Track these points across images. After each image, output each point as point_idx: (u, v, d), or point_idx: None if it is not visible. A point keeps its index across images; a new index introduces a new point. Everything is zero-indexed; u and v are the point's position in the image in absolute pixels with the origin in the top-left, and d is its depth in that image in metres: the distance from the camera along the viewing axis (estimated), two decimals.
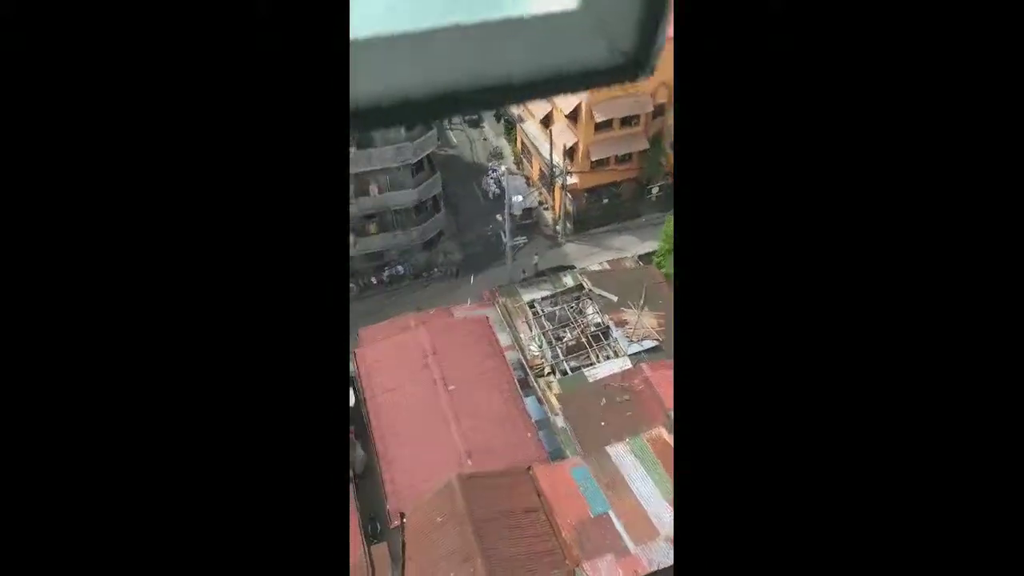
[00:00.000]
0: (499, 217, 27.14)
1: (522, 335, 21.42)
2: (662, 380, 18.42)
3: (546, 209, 31.12)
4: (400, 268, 28.10)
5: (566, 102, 27.73)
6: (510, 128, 35.23)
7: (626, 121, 28.15)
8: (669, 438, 16.86)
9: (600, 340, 21.00)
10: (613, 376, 19.31)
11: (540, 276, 25.02)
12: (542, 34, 0.92)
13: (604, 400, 18.58)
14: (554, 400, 19.20)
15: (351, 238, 26.68)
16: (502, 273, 26.61)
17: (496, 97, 0.96)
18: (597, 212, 29.92)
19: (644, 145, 28.63)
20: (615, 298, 21.92)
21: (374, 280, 27.83)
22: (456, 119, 37.37)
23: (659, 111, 28.38)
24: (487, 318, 21.80)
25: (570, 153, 28.55)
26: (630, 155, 29.24)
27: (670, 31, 0.96)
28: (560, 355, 20.61)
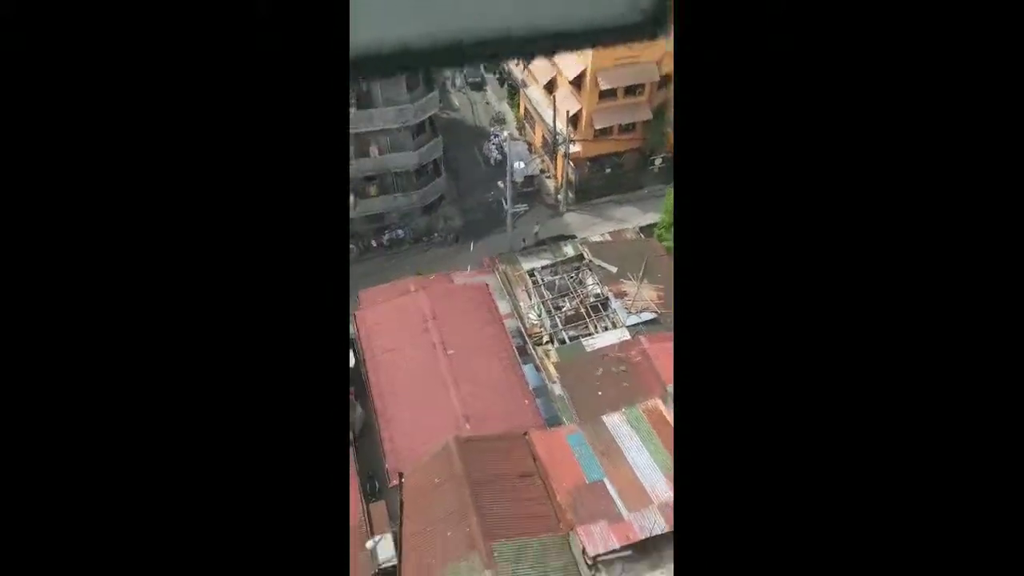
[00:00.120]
0: (500, 184, 26.96)
1: (521, 303, 21.50)
2: (660, 352, 18.57)
3: (548, 177, 30.90)
4: (400, 232, 28.02)
5: (570, 68, 27.29)
6: (513, 92, 34.72)
7: (631, 90, 27.75)
8: (665, 410, 17.09)
9: (599, 311, 21.09)
10: (611, 347, 19.46)
11: (540, 245, 25.00)
12: None
13: (601, 370, 18.76)
14: (552, 368, 19.39)
15: (351, 199, 26.53)
16: (502, 240, 26.56)
17: (499, 48, 0.93)
18: (599, 182, 29.72)
19: (648, 115, 28.29)
20: (615, 269, 21.95)
21: (374, 243, 27.78)
22: (459, 82, 36.81)
23: (664, 81, 27.94)
24: (487, 285, 21.86)
25: (573, 120, 28.20)
26: (634, 125, 28.91)
27: None
28: (559, 324, 20.73)
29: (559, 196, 29.76)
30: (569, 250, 23.52)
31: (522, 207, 27.68)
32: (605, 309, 21.13)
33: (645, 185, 29.86)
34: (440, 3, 0.91)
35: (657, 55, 26.83)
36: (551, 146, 29.12)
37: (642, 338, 19.50)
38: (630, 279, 21.62)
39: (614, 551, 14.41)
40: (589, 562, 14.35)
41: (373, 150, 26.56)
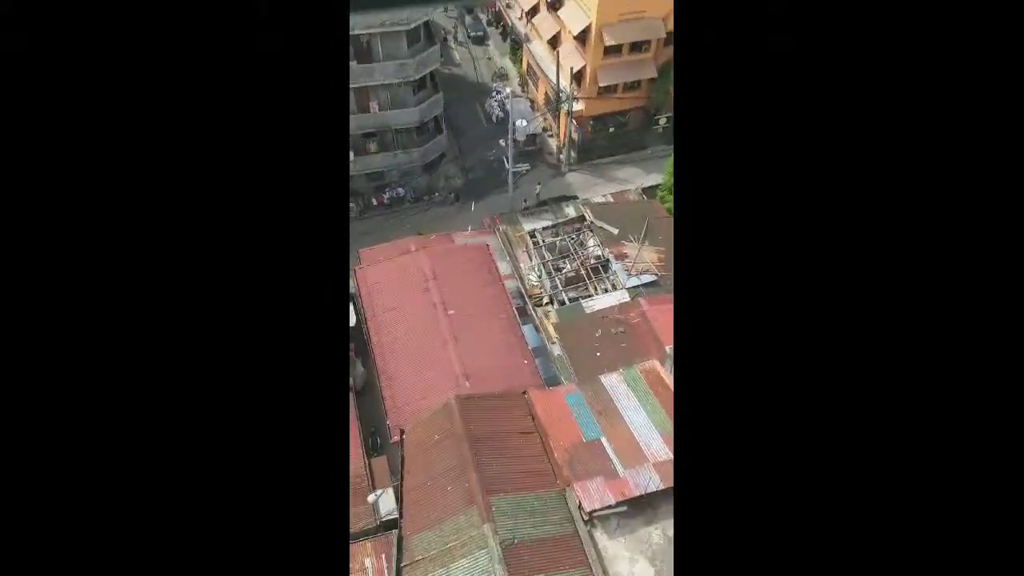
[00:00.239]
0: (502, 142, 26.63)
1: (522, 264, 21.53)
2: (658, 315, 18.72)
3: (550, 136, 30.50)
4: (400, 190, 27.80)
5: (575, 23, 26.62)
6: (516, 48, 33.94)
7: (636, 47, 27.16)
8: (662, 370, 17.34)
9: (599, 272, 21.15)
10: (610, 308, 19.60)
11: (542, 205, 24.86)
12: None
13: (600, 331, 18.94)
14: (551, 329, 19.55)
15: (350, 156, 26.20)
16: (503, 200, 26.40)
17: None
18: (602, 141, 29.37)
19: (653, 73, 27.76)
20: (616, 231, 21.92)
21: (374, 201, 27.59)
22: (460, 35, 35.90)
23: (670, 38, 27.31)
24: (487, 246, 21.83)
25: (577, 77, 27.68)
26: (639, 83, 28.41)
27: None
28: (559, 286, 20.82)
29: (561, 155, 29.44)
30: (571, 211, 23.42)
31: (524, 166, 27.41)
32: (605, 271, 21.19)
33: (648, 145, 29.53)
34: None
35: (663, 11, 26.17)
36: (554, 103, 28.65)
37: (641, 300, 19.63)
38: (631, 241, 21.62)
39: (609, 507, 14.84)
40: (585, 517, 14.79)
41: (373, 105, 26.10)
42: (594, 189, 27.09)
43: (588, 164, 29.15)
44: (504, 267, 21.32)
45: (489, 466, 15.40)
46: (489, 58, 35.11)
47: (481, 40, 35.88)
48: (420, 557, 14.41)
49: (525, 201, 26.48)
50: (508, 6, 34.64)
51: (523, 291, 20.78)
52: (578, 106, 27.92)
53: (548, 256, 21.78)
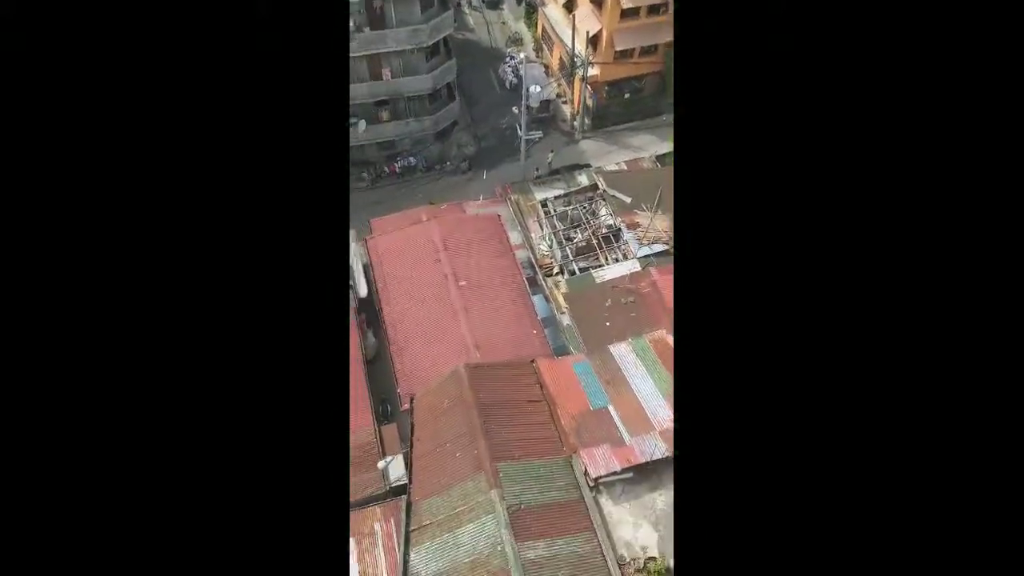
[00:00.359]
0: (515, 109, 26.27)
1: (533, 234, 21.44)
2: (669, 284, 18.60)
3: (564, 102, 30.01)
4: (412, 159, 27.69)
5: None
6: (531, 12, 33.21)
7: (654, 9, 26.40)
8: (671, 340, 17.30)
9: (611, 242, 21.00)
10: (621, 278, 19.51)
11: (554, 174, 24.62)
12: None
13: (610, 301, 18.90)
14: (561, 299, 19.56)
15: (363, 124, 26.09)
16: (515, 169, 26.18)
17: None
18: (617, 108, 28.84)
19: (671, 37, 27.02)
20: (629, 200, 21.67)
21: (386, 169, 27.54)
22: (475, 0, 35.21)
23: None
24: (499, 216, 21.75)
25: (593, 41, 27.06)
26: (656, 47, 27.70)
27: None
28: (570, 256, 20.73)
29: (575, 122, 29.00)
30: (583, 179, 23.17)
31: (537, 134, 27.07)
32: (617, 240, 21.03)
33: (664, 112, 28.94)
34: None
35: None
36: (569, 69, 28.10)
37: (652, 270, 19.50)
38: (644, 210, 21.38)
39: (615, 473, 15.02)
40: (591, 483, 15.00)
41: (385, 72, 25.86)
42: (608, 157, 26.71)
43: (602, 131, 28.69)
44: (515, 237, 21.26)
45: (497, 433, 15.63)
46: (503, 23, 34.45)
47: (495, 4, 35.16)
48: (428, 522, 14.78)
49: (537, 170, 26.23)
50: None
51: (534, 261, 20.74)
52: (593, 71, 27.37)
53: (559, 226, 21.66)
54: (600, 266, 20.31)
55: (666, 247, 20.31)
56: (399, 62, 25.90)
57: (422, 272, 19.75)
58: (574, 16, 27.07)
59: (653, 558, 13.83)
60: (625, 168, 24.10)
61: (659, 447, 15.24)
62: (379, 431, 16.47)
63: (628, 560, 14.01)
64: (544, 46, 31.87)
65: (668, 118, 28.55)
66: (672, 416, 16.01)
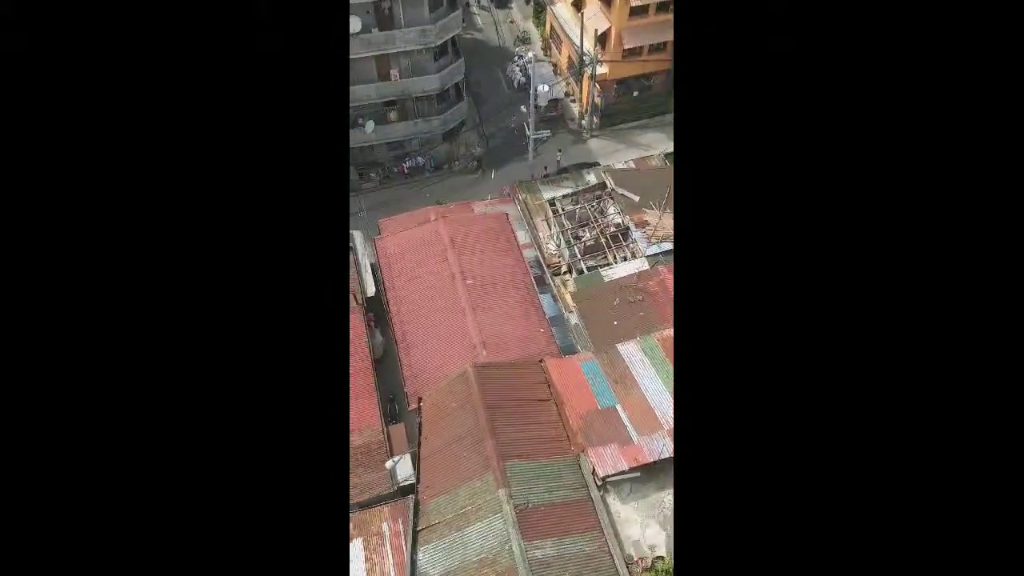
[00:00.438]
0: (523, 108, 26.24)
1: (541, 233, 21.39)
2: None
3: (572, 101, 29.93)
4: (420, 159, 27.74)
5: None
6: (539, 10, 33.16)
7: (663, 6, 26.25)
8: None
9: (619, 240, 20.91)
10: (629, 277, 19.42)
11: (562, 173, 24.55)
12: None
13: (618, 300, 18.82)
14: (569, 298, 19.50)
15: (371, 124, 26.16)
16: (524, 168, 26.14)
17: None
18: (625, 106, 28.71)
19: None
20: (637, 198, 21.55)
21: (395, 170, 27.62)
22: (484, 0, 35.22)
23: None
24: (506, 215, 21.73)
25: (601, 40, 26.96)
26: (664, 44, 27.56)
27: None
28: (578, 254, 20.67)
29: (583, 121, 28.92)
30: (592, 178, 23.08)
31: (545, 133, 27.02)
32: (625, 239, 20.93)
33: (673, 110, 28.80)
34: None
35: None
36: (577, 67, 28.02)
37: (661, 268, 19.39)
38: (653, 208, 21.26)
39: (623, 472, 14.96)
40: (599, 483, 14.95)
41: (394, 73, 25.93)
42: (616, 155, 26.60)
43: (611, 129, 28.58)
44: (523, 236, 21.23)
45: (505, 433, 15.62)
46: (512, 22, 34.43)
47: (504, 3, 35.16)
48: (436, 521, 14.80)
49: (546, 169, 26.17)
50: None
51: (542, 260, 20.70)
52: (602, 69, 27.27)
53: (568, 224, 21.60)
54: (608, 265, 20.23)
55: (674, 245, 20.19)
56: (407, 62, 25.96)
57: (430, 271, 19.78)
58: (583, 14, 26.99)
59: (661, 557, 13.75)
60: (633, 166, 23.97)
61: (667, 446, 15.15)
62: (387, 431, 16.51)
63: (636, 559, 13.94)
64: (552, 45, 31.82)
65: None
66: None
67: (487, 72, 31.34)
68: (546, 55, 31.90)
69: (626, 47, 26.86)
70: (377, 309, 19.76)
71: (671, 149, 26.07)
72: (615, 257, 20.51)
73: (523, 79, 30.25)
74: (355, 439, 16.09)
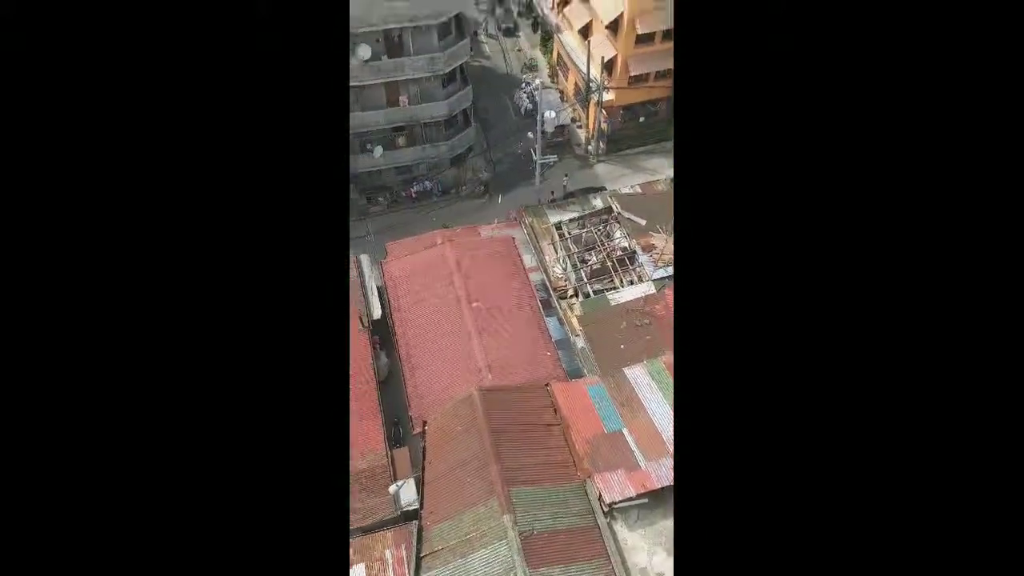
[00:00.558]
0: (530, 134, 26.50)
1: (547, 257, 21.41)
2: None
3: (579, 127, 30.22)
4: (428, 184, 27.98)
5: (607, 11, 26.24)
6: (547, 39, 33.71)
7: (668, 34, 26.64)
8: None
9: (625, 264, 20.89)
10: (636, 300, 19.35)
11: (569, 197, 24.66)
12: None
13: (625, 324, 18.73)
14: (575, 322, 19.42)
15: (379, 149, 26.48)
16: (530, 193, 26.30)
17: None
18: (631, 131, 28.96)
19: None
20: (644, 222, 21.59)
21: (403, 194, 27.86)
22: (491, 27, 35.84)
23: None
24: (513, 239, 21.79)
25: (608, 67, 27.32)
26: (670, 71, 27.87)
27: None
28: (584, 278, 20.64)
29: (590, 147, 29.15)
30: (598, 203, 23.17)
31: (551, 158, 27.24)
32: (632, 263, 20.91)
33: None
34: None
35: None
36: (584, 94, 28.35)
37: (668, 292, 19.32)
38: (659, 232, 21.28)
39: (630, 499, 14.70)
40: (605, 509, 14.69)
41: (403, 99, 26.31)
42: (622, 180, 26.75)
43: (617, 155, 28.80)
44: (529, 259, 21.25)
45: (510, 458, 15.42)
46: (519, 49, 34.99)
47: (511, 32, 35.78)
48: (440, 547, 14.54)
49: (552, 193, 26.32)
50: None
51: (548, 283, 20.69)
52: (608, 96, 27.57)
53: (574, 248, 21.62)
54: (615, 288, 20.18)
55: None
56: (416, 89, 26.36)
57: (436, 294, 19.78)
58: (589, 42, 27.40)
59: None
60: (640, 191, 24.07)
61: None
62: (391, 454, 16.34)
63: None
64: (559, 72, 32.25)
65: None
66: None
67: (495, 99, 31.76)
68: (553, 82, 32.33)
69: (632, 74, 27.20)
70: (383, 331, 19.74)
71: None
72: (621, 281, 20.47)
73: (530, 105, 30.62)
74: (359, 463, 15.93)
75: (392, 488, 15.54)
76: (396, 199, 27.78)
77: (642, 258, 20.67)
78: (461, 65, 26.92)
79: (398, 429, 18.12)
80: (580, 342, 18.95)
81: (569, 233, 22.14)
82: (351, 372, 17.24)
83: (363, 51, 24.59)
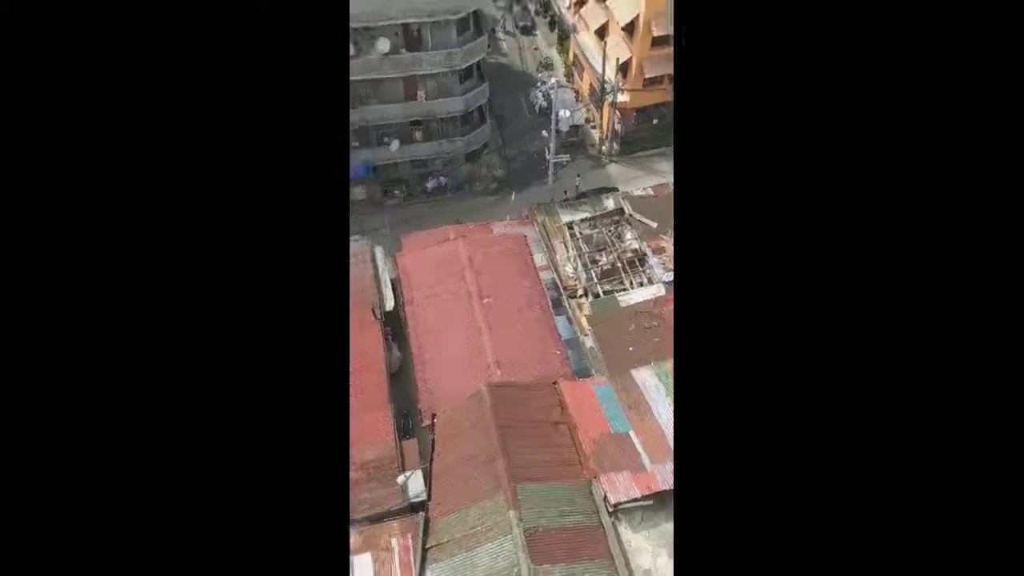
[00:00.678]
0: (544, 133, 26.63)
1: (558, 256, 21.57)
2: None
3: (593, 127, 30.31)
4: (443, 179, 28.14)
5: (624, 12, 26.29)
6: (563, 38, 33.76)
7: None
8: None
9: (636, 266, 21.03)
10: (645, 303, 19.50)
11: (581, 197, 24.78)
12: None
13: (634, 325, 18.88)
14: (584, 321, 19.58)
15: (396, 143, 26.65)
16: (543, 191, 26.44)
17: None
18: (645, 133, 29.04)
19: None
20: (655, 224, 21.72)
21: (419, 188, 28.05)
22: (509, 25, 35.90)
23: None
24: (525, 237, 21.94)
25: (623, 68, 27.39)
26: None
27: None
28: (594, 278, 20.80)
29: (603, 147, 29.25)
30: (610, 203, 23.30)
31: (564, 157, 27.36)
32: (642, 265, 21.05)
33: None
34: None
35: None
36: (598, 94, 28.43)
37: None
38: (670, 234, 21.42)
39: (635, 500, 14.88)
40: (610, 509, 14.88)
41: (420, 94, 26.47)
42: (635, 182, 26.86)
43: (630, 156, 28.90)
44: (540, 258, 21.41)
45: (517, 454, 15.62)
46: (536, 48, 35.05)
47: (528, 30, 35.84)
48: (446, 539, 14.77)
49: (565, 193, 26.45)
50: None
51: (558, 282, 20.85)
52: (623, 97, 27.66)
53: (585, 248, 21.77)
54: (624, 290, 20.33)
55: None
56: (434, 84, 26.50)
57: (448, 289, 19.97)
58: (605, 43, 27.47)
59: None
60: (652, 193, 24.17)
61: None
62: (400, 445, 16.56)
63: None
64: (575, 72, 32.32)
65: None
66: None
67: (510, 96, 31.86)
68: (568, 82, 32.41)
69: (647, 76, 27.26)
70: (395, 324, 19.94)
71: None
72: (631, 282, 20.62)
73: (545, 104, 30.71)
74: (368, 452, 16.15)
75: (400, 479, 15.76)
76: (412, 192, 27.96)
77: (652, 260, 20.80)
78: (478, 62, 27.04)
79: (407, 421, 18.34)
80: (589, 342, 19.12)
81: (580, 233, 22.28)
82: (363, 363, 17.46)
83: (382, 44, 24.73)
